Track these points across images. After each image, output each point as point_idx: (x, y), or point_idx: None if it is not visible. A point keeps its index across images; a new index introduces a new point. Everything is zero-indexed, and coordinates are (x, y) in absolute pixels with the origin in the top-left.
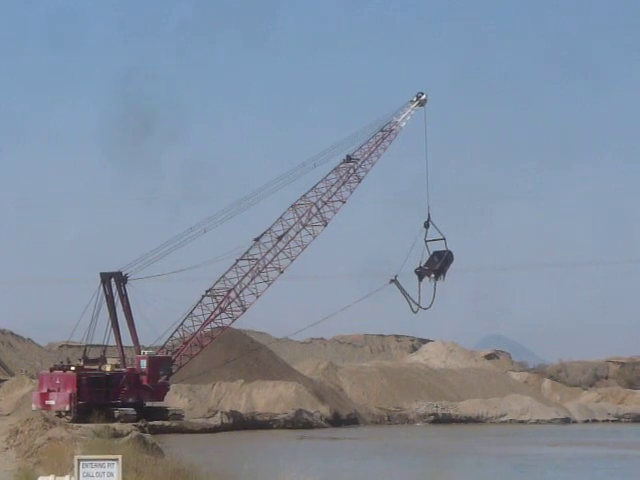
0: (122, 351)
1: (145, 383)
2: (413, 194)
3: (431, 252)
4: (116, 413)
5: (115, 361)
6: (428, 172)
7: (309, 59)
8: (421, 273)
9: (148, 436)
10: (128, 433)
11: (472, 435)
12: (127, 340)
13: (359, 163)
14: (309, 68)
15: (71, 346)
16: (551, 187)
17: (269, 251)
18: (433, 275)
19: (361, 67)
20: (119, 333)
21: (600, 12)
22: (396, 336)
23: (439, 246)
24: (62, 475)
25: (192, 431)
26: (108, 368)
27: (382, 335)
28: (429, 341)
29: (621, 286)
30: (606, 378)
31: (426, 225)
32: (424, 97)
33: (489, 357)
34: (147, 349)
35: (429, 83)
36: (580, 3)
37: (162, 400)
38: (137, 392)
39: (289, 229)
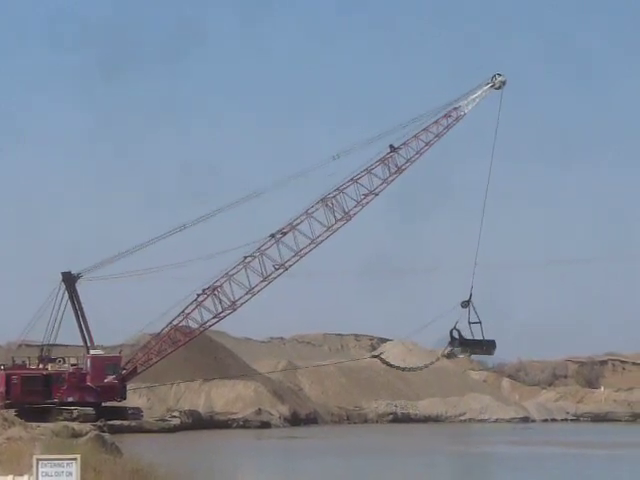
0: (88, 350)
1: (88, 383)
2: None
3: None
4: (75, 412)
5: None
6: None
7: (309, 57)
8: (454, 340)
9: (107, 436)
10: (87, 433)
11: (430, 434)
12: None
13: (405, 154)
14: (309, 66)
15: (30, 345)
16: (550, 186)
17: (267, 247)
18: (465, 351)
19: (361, 65)
20: (83, 332)
21: (600, 11)
22: (355, 335)
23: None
24: (21, 475)
25: (151, 431)
26: (50, 368)
27: (341, 334)
28: (388, 340)
29: (586, 286)
30: (565, 377)
31: (464, 305)
32: (502, 78)
33: (448, 356)
34: (117, 348)
35: (429, 82)
36: (580, 2)
37: (113, 400)
38: (79, 392)
39: (296, 223)
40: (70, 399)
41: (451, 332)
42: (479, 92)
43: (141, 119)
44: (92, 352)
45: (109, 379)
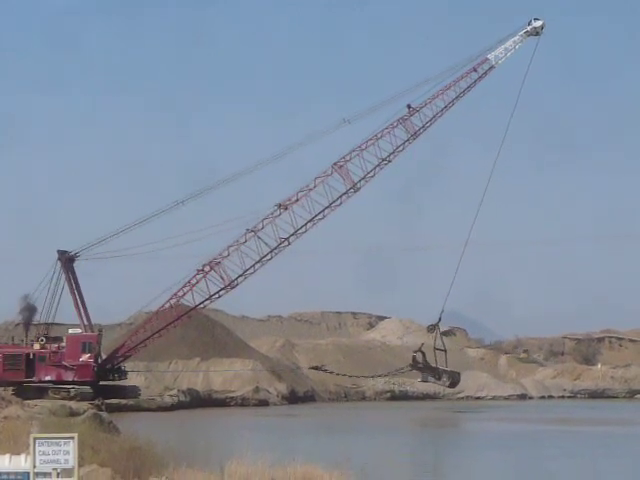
0: (91, 328)
1: (64, 362)
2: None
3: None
4: (72, 391)
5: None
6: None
7: (308, 55)
8: (416, 365)
9: (104, 414)
10: (84, 411)
11: (428, 412)
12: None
13: (427, 114)
14: (308, 64)
15: (26, 325)
16: (548, 184)
17: (274, 217)
18: (427, 373)
19: (362, 64)
20: (80, 311)
21: (600, 10)
22: (353, 313)
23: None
24: (18, 454)
25: (149, 409)
26: (37, 346)
27: (339, 312)
28: (386, 318)
29: (577, 264)
30: (562, 354)
31: (430, 329)
32: (540, 23)
33: (445, 334)
34: (115, 327)
35: (427, 77)
36: (580, 2)
37: (91, 379)
38: (56, 371)
39: (306, 191)
40: (48, 378)
41: (413, 356)
42: (511, 40)
43: (141, 119)
44: (70, 331)
45: (84, 358)
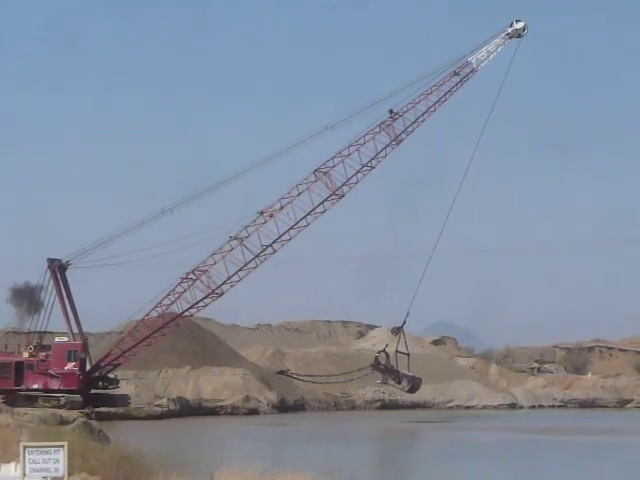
0: (82, 336)
1: (50, 370)
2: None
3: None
4: (62, 399)
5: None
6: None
7: (308, 55)
8: (377, 366)
9: (94, 423)
10: (74, 420)
11: (417, 421)
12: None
13: (406, 121)
14: (308, 64)
15: (17, 332)
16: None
17: (258, 225)
18: (388, 375)
19: (362, 65)
20: (78, 318)
21: (599, 10)
22: (343, 322)
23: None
24: (8, 462)
25: (139, 418)
26: (25, 354)
27: (329, 321)
28: (376, 327)
29: (571, 270)
30: (552, 363)
31: (395, 332)
32: (521, 25)
33: (436, 343)
34: (105, 335)
35: (416, 79)
36: (580, 2)
37: (76, 387)
38: (43, 379)
39: (289, 198)
40: (35, 386)
41: (376, 357)
42: (493, 43)
43: (141, 119)
44: (56, 339)
45: (69, 366)
